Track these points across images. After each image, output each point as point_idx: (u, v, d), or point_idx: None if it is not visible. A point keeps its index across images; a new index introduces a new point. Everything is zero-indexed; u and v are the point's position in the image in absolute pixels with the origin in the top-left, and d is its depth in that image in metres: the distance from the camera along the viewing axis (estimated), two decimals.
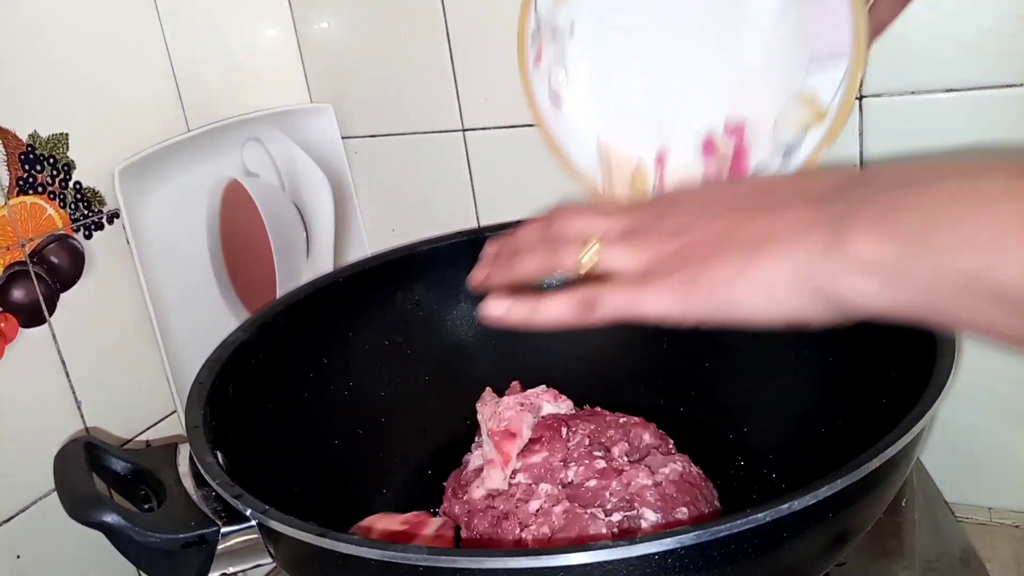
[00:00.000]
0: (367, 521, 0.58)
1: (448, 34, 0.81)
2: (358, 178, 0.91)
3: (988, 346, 0.66)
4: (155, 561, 0.41)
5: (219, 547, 0.42)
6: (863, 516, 0.44)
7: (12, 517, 0.63)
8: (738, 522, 0.36)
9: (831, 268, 0.34)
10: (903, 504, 0.59)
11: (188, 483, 0.46)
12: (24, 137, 0.63)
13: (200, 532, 0.41)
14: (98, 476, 0.46)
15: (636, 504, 0.51)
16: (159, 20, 0.74)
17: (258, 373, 0.60)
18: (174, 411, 0.75)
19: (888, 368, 0.52)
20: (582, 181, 0.64)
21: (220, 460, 0.47)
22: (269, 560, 0.43)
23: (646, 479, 0.53)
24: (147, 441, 0.74)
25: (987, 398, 0.69)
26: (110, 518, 0.40)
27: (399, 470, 0.66)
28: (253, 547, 0.43)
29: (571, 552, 0.34)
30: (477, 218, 0.86)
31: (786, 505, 0.36)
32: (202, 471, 0.44)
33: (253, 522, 0.41)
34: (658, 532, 0.35)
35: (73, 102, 0.67)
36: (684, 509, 0.52)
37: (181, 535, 0.41)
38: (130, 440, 0.72)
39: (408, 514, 0.58)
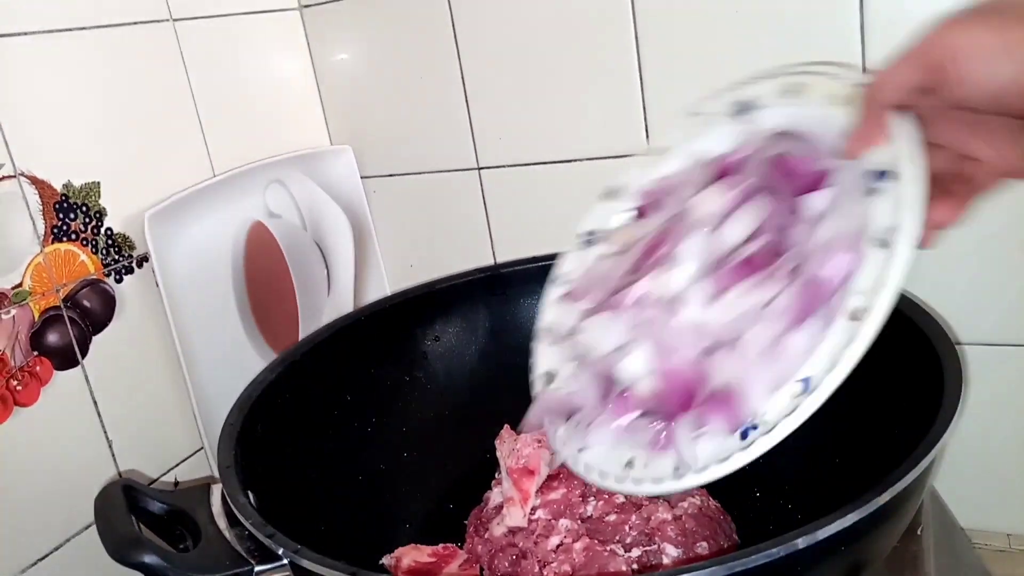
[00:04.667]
0: (397, 552, 0.59)
1: (462, 75, 0.83)
2: (377, 216, 0.93)
3: (1003, 372, 0.67)
4: None
5: None
6: (876, 547, 0.45)
7: (47, 555, 0.65)
8: (752, 558, 0.37)
9: None
10: (919, 532, 0.59)
11: (221, 522, 0.47)
12: (58, 187, 0.66)
13: (234, 571, 0.43)
14: (134, 516, 0.48)
15: (656, 539, 0.52)
16: (185, 69, 0.77)
17: (285, 412, 0.62)
18: (201, 448, 0.77)
19: (899, 399, 0.53)
20: None
21: (251, 499, 0.48)
22: None
23: (665, 513, 0.54)
24: (175, 479, 0.75)
25: (1003, 424, 0.70)
26: (149, 559, 0.41)
27: (421, 505, 0.67)
28: None
29: None
30: (493, 254, 0.88)
31: (799, 540, 0.38)
32: (235, 511, 0.45)
33: (285, 560, 0.42)
34: (673, 569, 0.36)
35: (105, 152, 0.70)
36: (704, 543, 0.53)
37: (216, 575, 0.43)
38: (159, 478, 0.74)
39: (437, 546, 0.60)
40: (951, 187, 0.45)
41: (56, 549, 0.65)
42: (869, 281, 0.43)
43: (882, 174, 0.44)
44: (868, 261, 0.43)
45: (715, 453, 0.45)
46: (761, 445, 0.44)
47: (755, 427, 0.45)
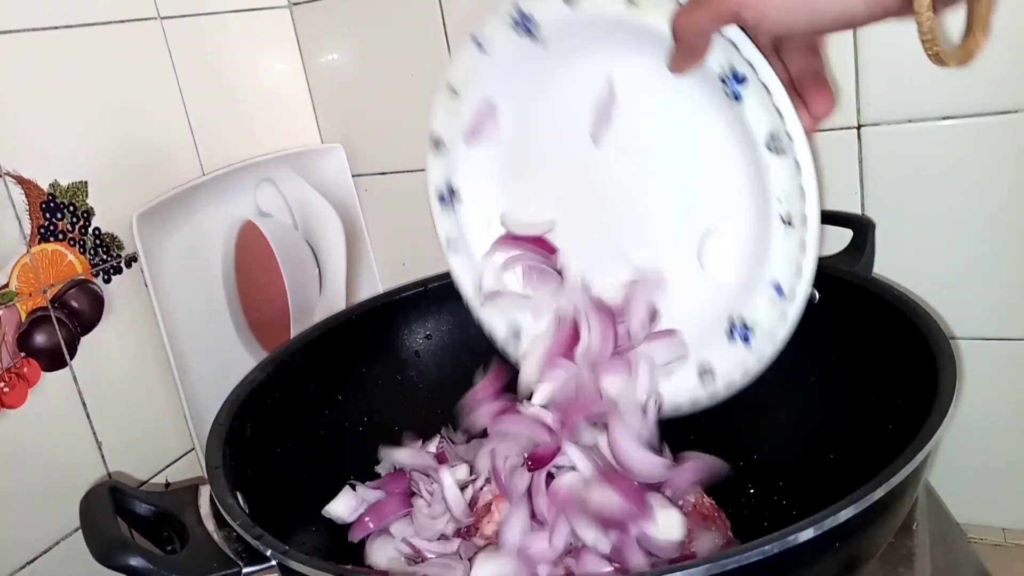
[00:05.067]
0: None
1: None
2: (368, 215, 0.92)
3: (996, 366, 0.67)
4: None
5: None
6: (871, 543, 0.44)
7: (35, 558, 0.64)
8: (746, 554, 0.36)
9: None
10: (914, 527, 0.59)
11: (210, 524, 0.47)
12: (45, 186, 0.65)
13: (222, 573, 0.43)
14: (121, 519, 0.48)
15: None
16: (173, 68, 0.77)
17: (276, 411, 0.62)
18: (192, 449, 0.77)
19: (894, 394, 0.53)
20: None
21: (240, 501, 0.48)
22: None
23: None
24: (166, 480, 0.75)
25: (998, 418, 0.70)
26: (135, 561, 0.41)
27: None
28: None
29: None
30: None
31: (793, 536, 0.37)
32: (223, 512, 0.45)
33: (274, 562, 0.42)
34: (667, 567, 0.36)
35: (92, 151, 0.69)
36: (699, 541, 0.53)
37: None
38: (150, 479, 0.74)
39: None
40: (810, 71, 0.45)
41: (45, 552, 0.65)
42: (783, 186, 0.45)
43: (730, 78, 0.45)
44: (772, 167, 0.45)
45: (734, 366, 0.52)
46: (768, 349, 0.50)
47: (750, 330, 0.51)
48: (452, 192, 0.62)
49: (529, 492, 0.55)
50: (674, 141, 0.52)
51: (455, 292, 0.75)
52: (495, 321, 0.64)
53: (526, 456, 0.55)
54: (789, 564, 0.38)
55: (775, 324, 0.49)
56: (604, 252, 0.58)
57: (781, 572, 0.38)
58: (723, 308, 0.52)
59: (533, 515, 0.54)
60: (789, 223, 0.46)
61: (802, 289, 0.47)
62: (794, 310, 0.48)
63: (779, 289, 0.48)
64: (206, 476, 0.50)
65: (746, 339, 0.51)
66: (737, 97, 0.45)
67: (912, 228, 0.68)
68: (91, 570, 0.46)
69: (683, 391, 0.56)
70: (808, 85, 0.46)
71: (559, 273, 0.60)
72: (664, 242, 0.55)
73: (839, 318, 0.60)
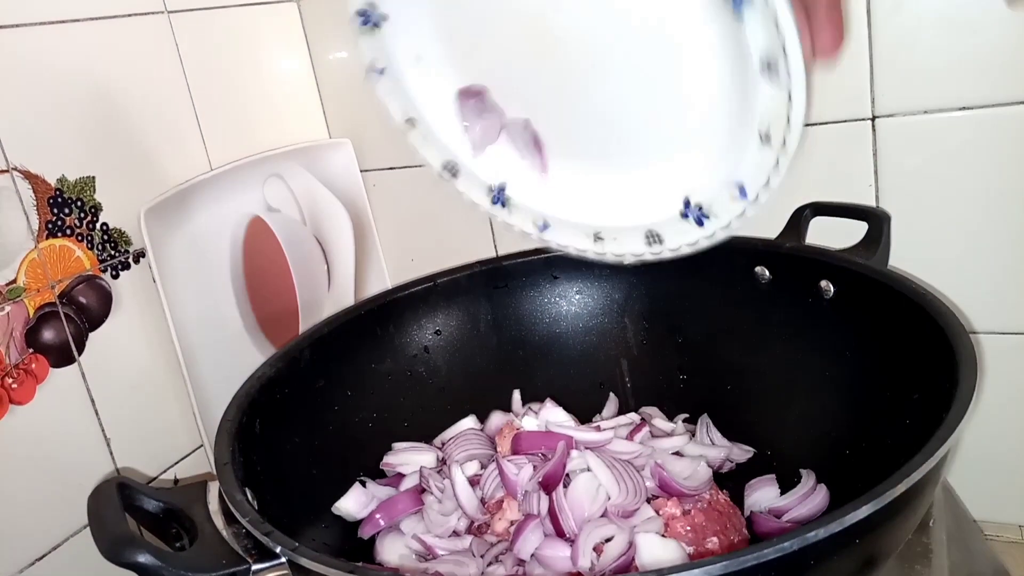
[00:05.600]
0: None
1: None
2: (377, 210, 0.92)
3: (1013, 361, 0.66)
4: None
5: None
6: (890, 540, 0.43)
7: (45, 555, 0.64)
8: (764, 551, 0.36)
9: None
10: (931, 524, 0.58)
11: (218, 520, 0.46)
12: (53, 182, 0.65)
13: (231, 570, 0.42)
14: (130, 515, 0.47)
15: (666, 535, 0.51)
16: (181, 62, 0.76)
17: (284, 407, 0.61)
18: (201, 445, 0.76)
19: (911, 389, 0.52)
20: None
21: (249, 497, 0.47)
22: None
23: (675, 509, 0.53)
24: (175, 476, 0.75)
25: (1015, 414, 0.69)
26: (143, 558, 0.40)
27: None
28: None
29: None
30: (495, 247, 0.87)
31: (812, 533, 0.37)
32: (232, 509, 0.44)
33: (283, 559, 0.41)
34: (686, 563, 0.35)
35: (99, 146, 0.68)
36: (715, 539, 0.52)
37: (213, 574, 0.42)
38: (159, 475, 0.73)
39: None
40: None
41: (54, 549, 0.64)
42: (768, 107, 0.43)
43: None
44: (761, 86, 0.43)
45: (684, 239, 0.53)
46: (720, 235, 0.51)
47: (707, 216, 0.51)
48: (377, 14, 0.56)
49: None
50: (651, 19, 0.48)
51: (464, 287, 0.75)
52: (428, 154, 0.61)
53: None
54: (807, 561, 0.38)
55: (732, 218, 0.49)
56: (556, 105, 0.56)
57: (799, 569, 0.38)
58: (681, 190, 0.52)
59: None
60: (767, 140, 0.45)
61: (766, 196, 0.47)
62: (753, 211, 0.48)
63: (743, 190, 0.48)
64: (215, 472, 0.49)
65: (700, 223, 0.52)
66: (738, 8, 0.42)
67: (928, 220, 0.67)
68: (99, 567, 0.46)
69: (629, 248, 0.56)
70: (820, 14, 0.42)
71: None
72: (623, 111, 0.53)
73: (855, 312, 0.60)
